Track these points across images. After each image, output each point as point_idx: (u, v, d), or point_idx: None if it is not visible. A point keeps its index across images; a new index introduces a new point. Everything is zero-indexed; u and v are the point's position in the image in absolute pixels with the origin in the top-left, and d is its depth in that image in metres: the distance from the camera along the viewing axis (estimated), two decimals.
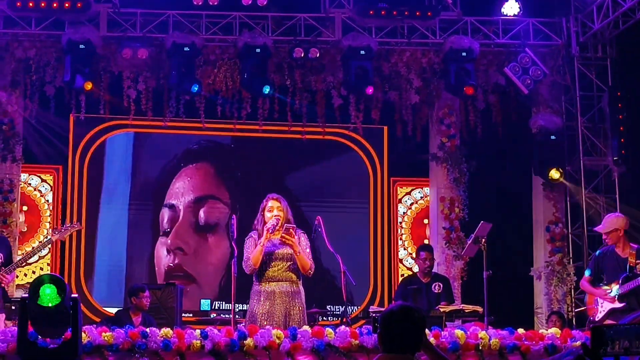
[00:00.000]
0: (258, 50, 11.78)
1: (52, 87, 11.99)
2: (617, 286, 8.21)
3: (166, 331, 6.86)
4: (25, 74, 12.02)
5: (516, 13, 12.34)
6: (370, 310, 9.67)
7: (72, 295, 6.06)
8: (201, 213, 13.20)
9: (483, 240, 8.60)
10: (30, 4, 11.46)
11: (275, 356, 6.88)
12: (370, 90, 11.99)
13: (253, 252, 7.54)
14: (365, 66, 11.87)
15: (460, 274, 12.25)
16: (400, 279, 12.55)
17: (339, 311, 12.37)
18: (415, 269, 11.17)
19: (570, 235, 12.42)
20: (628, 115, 12.08)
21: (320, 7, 12.25)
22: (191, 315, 12.47)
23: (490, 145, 12.56)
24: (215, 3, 11.84)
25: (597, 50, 12.46)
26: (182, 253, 13.07)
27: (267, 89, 11.99)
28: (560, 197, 12.50)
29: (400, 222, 13.51)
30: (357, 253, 12.82)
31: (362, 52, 11.82)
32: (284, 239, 7.54)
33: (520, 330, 7.35)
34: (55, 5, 11.48)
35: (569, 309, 12.12)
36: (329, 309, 12.32)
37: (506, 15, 12.36)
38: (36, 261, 12.49)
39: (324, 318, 11.93)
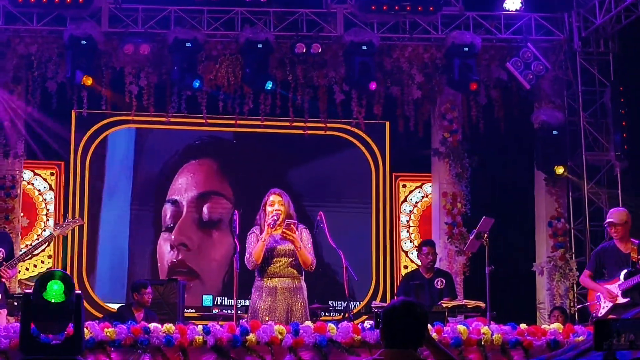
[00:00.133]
0: (260, 45, 11.77)
1: (54, 83, 11.98)
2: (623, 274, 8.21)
3: (168, 327, 6.86)
4: (27, 70, 12.01)
5: (518, 8, 12.33)
6: (372, 305, 9.66)
7: (75, 292, 6.06)
8: (205, 209, 13.21)
9: (485, 235, 8.58)
10: (32, 0, 11.46)
11: (278, 352, 6.88)
12: (373, 85, 11.99)
13: (255, 248, 7.54)
14: (367, 62, 11.87)
15: (462, 270, 12.24)
16: (404, 272, 12.57)
17: (341, 307, 12.39)
18: None
19: (572, 231, 12.41)
20: (630, 110, 12.06)
21: (322, 2, 12.24)
22: (193, 311, 12.47)
23: (493, 140, 12.56)
24: None
25: (599, 45, 12.44)
26: (185, 249, 13.08)
27: (269, 85, 11.98)
28: (562, 192, 12.49)
29: (408, 221, 13.50)
30: (359, 248, 12.82)
31: (364, 47, 11.82)
32: (285, 234, 7.53)
33: (523, 326, 7.34)
34: (56, 0, 11.49)
35: (572, 304, 12.12)
36: (331, 305, 12.33)
37: (508, 10, 12.34)
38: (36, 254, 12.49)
39: (326, 313, 11.93)
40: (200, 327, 6.93)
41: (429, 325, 6.19)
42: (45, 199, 12.95)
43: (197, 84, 11.88)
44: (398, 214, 13.49)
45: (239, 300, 8.23)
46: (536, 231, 12.72)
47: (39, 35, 11.87)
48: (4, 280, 8.37)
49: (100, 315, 11.63)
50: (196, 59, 11.91)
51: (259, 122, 12.72)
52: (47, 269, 12.28)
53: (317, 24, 12.21)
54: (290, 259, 7.58)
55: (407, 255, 13.37)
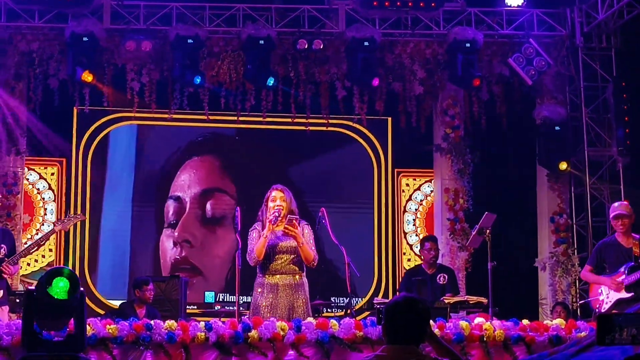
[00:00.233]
0: (262, 42, 11.77)
1: (55, 79, 11.98)
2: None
3: (170, 323, 6.86)
4: (29, 67, 12.02)
5: (520, 4, 12.31)
6: (374, 301, 9.64)
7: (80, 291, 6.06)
8: (208, 206, 13.21)
9: (487, 231, 8.57)
10: None
11: (280, 348, 6.87)
12: (376, 82, 12.00)
13: (256, 244, 7.53)
14: (369, 58, 11.86)
15: (464, 265, 12.24)
16: (407, 266, 12.56)
17: (343, 303, 12.38)
18: None
19: (574, 226, 12.41)
20: (632, 106, 12.06)
21: None
22: (195, 307, 12.48)
23: (495, 136, 12.56)
24: None
25: (601, 40, 12.43)
26: (188, 246, 13.08)
27: (271, 81, 11.98)
28: (564, 188, 12.49)
29: (414, 219, 13.48)
30: (361, 244, 12.82)
31: (366, 43, 11.82)
32: (286, 230, 7.52)
33: (525, 321, 7.33)
34: None
35: (574, 299, 12.11)
36: (333, 301, 12.33)
37: (510, 6, 12.34)
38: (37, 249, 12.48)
39: (328, 310, 11.92)
40: (202, 324, 6.92)
41: (431, 321, 6.20)
42: (43, 198, 12.93)
43: (199, 81, 11.88)
44: (400, 210, 13.47)
45: (241, 297, 8.21)
46: (538, 227, 12.72)
47: (41, 32, 11.87)
48: (5, 276, 8.37)
49: (102, 312, 11.65)
50: (198, 55, 11.91)
51: (261, 119, 12.72)
52: (50, 265, 12.27)
53: (319, 20, 12.20)
54: (292, 256, 7.57)
55: (411, 249, 13.32)
